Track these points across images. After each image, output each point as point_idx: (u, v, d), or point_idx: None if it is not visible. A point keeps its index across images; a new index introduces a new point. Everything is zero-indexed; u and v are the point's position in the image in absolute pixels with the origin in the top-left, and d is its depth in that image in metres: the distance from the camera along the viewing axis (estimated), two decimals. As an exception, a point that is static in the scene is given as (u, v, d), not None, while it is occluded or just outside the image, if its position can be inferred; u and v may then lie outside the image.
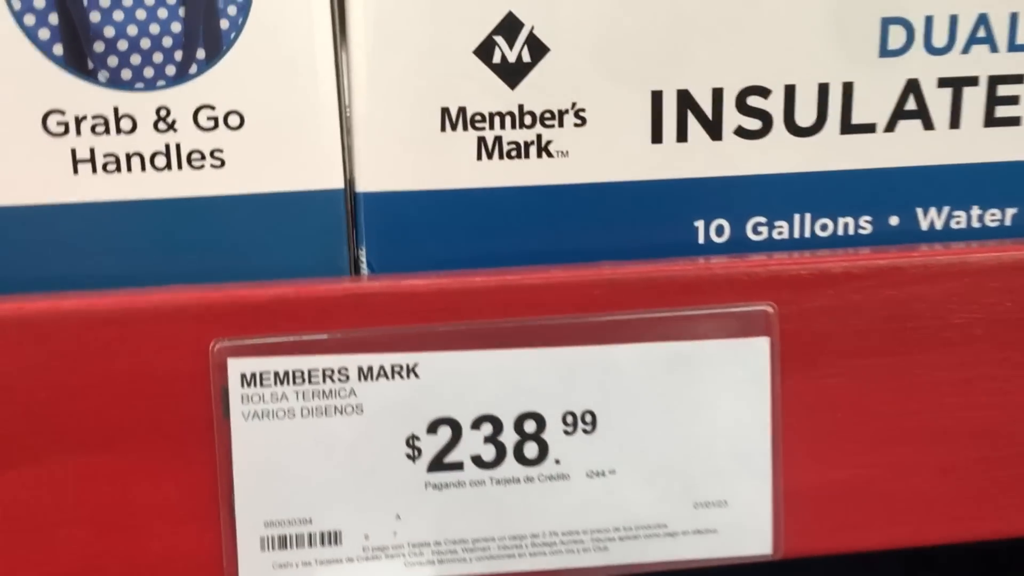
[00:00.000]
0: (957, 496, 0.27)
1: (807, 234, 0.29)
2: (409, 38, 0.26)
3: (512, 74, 0.27)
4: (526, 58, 0.26)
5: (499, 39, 0.26)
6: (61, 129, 0.25)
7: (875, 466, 0.26)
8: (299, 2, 0.26)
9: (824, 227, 0.29)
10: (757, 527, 0.26)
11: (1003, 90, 0.28)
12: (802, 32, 0.27)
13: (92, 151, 0.25)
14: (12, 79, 0.24)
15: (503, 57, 0.26)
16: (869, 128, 0.28)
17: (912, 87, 0.28)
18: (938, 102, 0.28)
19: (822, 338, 0.26)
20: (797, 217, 0.28)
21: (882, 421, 0.26)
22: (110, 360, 0.23)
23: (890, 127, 0.28)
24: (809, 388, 0.26)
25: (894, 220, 0.29)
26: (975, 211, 0.29)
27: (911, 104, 0.28)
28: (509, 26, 0.26)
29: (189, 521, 0.24)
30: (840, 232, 0.29)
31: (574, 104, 0.27)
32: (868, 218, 0.29)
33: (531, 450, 0.25)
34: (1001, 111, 0.28)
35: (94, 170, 0.25)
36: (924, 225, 0.29)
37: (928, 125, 0.28)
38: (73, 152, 0.25)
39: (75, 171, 0.25)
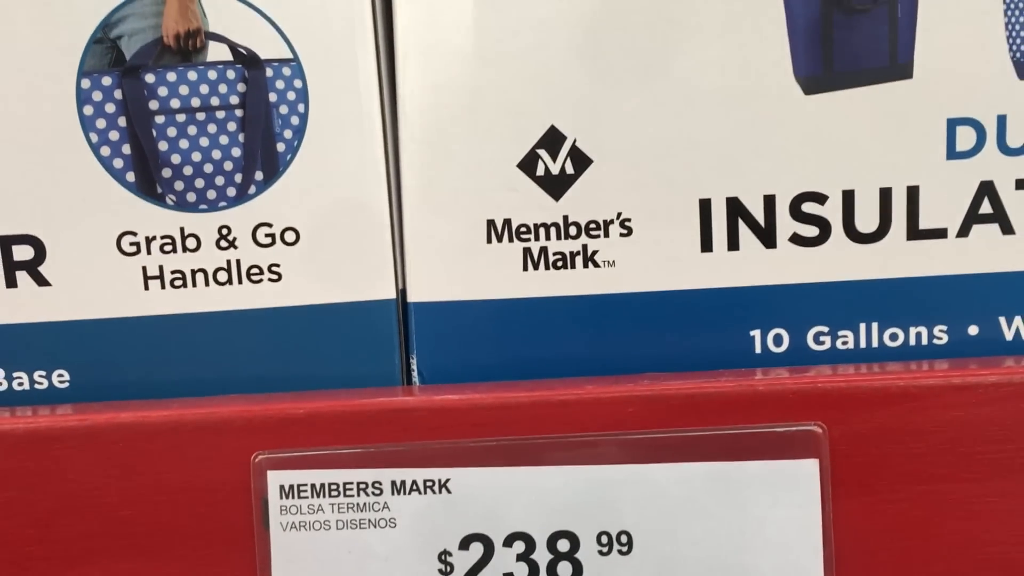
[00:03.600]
0: (1041, 639, 0.24)
1: (875, 344, 0.27)
2: (456, 153, 0.27)
3: (556, 186, 0.27)
4: (569, 170, 0.27)
5: (542, 152, 0.27)
6: (133, 249, 0.27)
7: (943, 601, 0.24)
8: (352, 124, 0.27)
9: (894, 336, 0.27)
10: (809, 662, 0.24)
11: (1093, 190, 0.26)
12: (859, 135, 0.26)
13: (161, 268, 0.27)
14: (91, 204, 0.27)
15: (547, 170, 0.27)
16: (940, 233, 0.26)
17: (986, 189, 0.26)
18: (1017, 205, 0.26)
19: (879, 461, 0.24)
20: (863, 326, 0.27)
21: (950, 552, 0.24)
22: (161, 469, 0.25)
23: (963, 232, 0.26)
24: (865, 514, 0.24)
25: (973, 330, 0.27)
26: (1068, 320, 0.27)
27: (986, 207, 0.26)
28: (552, 139, 0.26)
29: (231, 626, 0.25)
30: (912, 342, 0.27)
31: (619, 214, 0.27)
32: (943, 327, 0.27)
33: (565, 570, 0.25)
34: (1091, 212, 0.26)
35: (163, 286, 0.27)
36: (1009, 335, 0.27)
37: (1007, 229, 0.26)
38: (144, 270, 0.27)
39: (146, 287, 0.27)
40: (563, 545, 0.25)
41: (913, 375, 0.24)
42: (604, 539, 0.24)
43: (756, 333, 0.27)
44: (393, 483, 0.24)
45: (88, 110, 0.26)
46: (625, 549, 0.24)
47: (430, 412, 0.24)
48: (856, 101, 0.26)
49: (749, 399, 0.24)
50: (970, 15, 0.25)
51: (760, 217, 0.26)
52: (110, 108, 0.26)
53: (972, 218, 0.26)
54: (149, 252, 0.27)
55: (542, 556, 0.25)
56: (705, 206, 0.27)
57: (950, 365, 0.26)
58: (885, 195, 0.26)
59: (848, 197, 0.26)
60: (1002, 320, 0.27)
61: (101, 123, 0.26)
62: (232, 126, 0.27)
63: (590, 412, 0.24)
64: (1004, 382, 0.24)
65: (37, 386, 0.27)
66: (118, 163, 0.27)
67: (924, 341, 0.27)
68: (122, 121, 0.26)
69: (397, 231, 0.27)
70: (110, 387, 0.27)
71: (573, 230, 0.27)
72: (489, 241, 0.27)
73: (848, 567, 0.24)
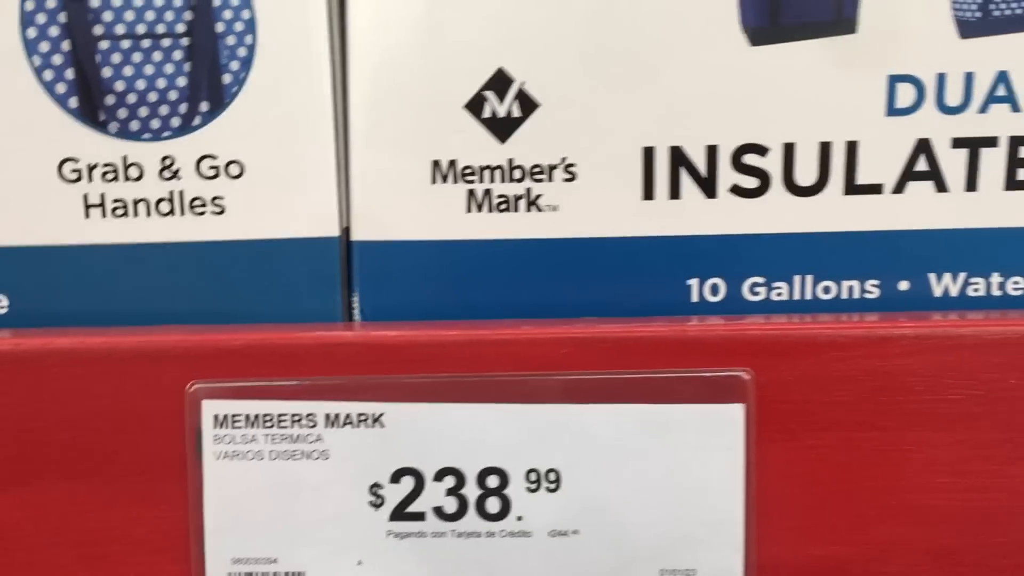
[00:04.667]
0: (951, 583, 0.25)
1: (808, 296, 0.28)
2: (404, 92, 0.27)
3: (502, 128, 0.27)
4: (516, 113, 0.27)
5: (489, 94, 0.27)
6: (75, 176, 0.27)
7: (858, 544, 0.25)
8: (300, 58, 0.27)
9: (827, 290, 0.28)
10: (728, 599, 0.25)
11: (1026, 151, 0.26)
12: (801, 88, 0.26)
13: (102, 197, 0.27)
14: (31, 129, 0.26)
15: (493, 112, 0.27)
16: (876, 189, 0.27)
17: (923, 147, 0.27)
18: (952, 163, 0.27)
19: (803, 408, 0.25)
20: (797, 279, 0.28)
21: (867, 497, 0.25)
22: (97, 396, 0.25)
23: (899, 188, 0.27)
24: (788, 459, 0.25)
25: (904, 285, 0.27)
26: (995, 279, 0.27)
27: (922, 165, 0.27)
28: (499, 82, 0.27)
29: (163, 551, 0.25)
30: (844, 296, 0.28)
31: (564, 159, 0.27)
32: (875, 282, 0.27)
33: (493, 505, 0.25)
34: (1024, 174, 0.27)
35: (104, 215, 0.27)
36: (938, 291, 0.27)
37: (941, 187, 0.27)
38: (85, 197, 0.27)
39: (87, 215, 0.27)
40: (492, 481, 0.25)
41: (838, 325, 0.25)
42: (533, 476, 0.25)
43: (694, 282, 0.28)
44: (327, 416, 0.25)
45: (31, 32, 0.26)
46: (553, 487, 0.25)
47: (366, 347, 0.25)
48: (800, 54, 0.26)
49: (679, 344, 0.25)
50: (915, -27, 0.25)
51: (702, 167, 0.27)
52: (54, 31, 0.26)
53: (908, 175, 0.27)
54: (91, 180, 0.27)
55: (471, 491, 0.25)
56: (648, 154, 0.27)
57: (880, 317, 0.26)
58: (825, 149, 0.27)
59: (789, 150, 0.27)
60: (931, 276, 0.27)
61: (44, 46, 0.26)
62: (178, 55, 0.26)
63: (524, 352, 0.25)
64: (926, 335, 0.24)
65: (-25, 311, 0.27)
66: (61, 88, 0.26)
67: (856, 295, 0.27)
68: (66, 45, 0.26)
69: (343, 168, 0.27)
70: (50, 315, 0.27)
71: (518, 173, 0.27)
72: (434, 182, 0.27)
73: (768, 509, 0.25)
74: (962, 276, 0.27)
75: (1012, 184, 0.27)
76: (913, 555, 0.25)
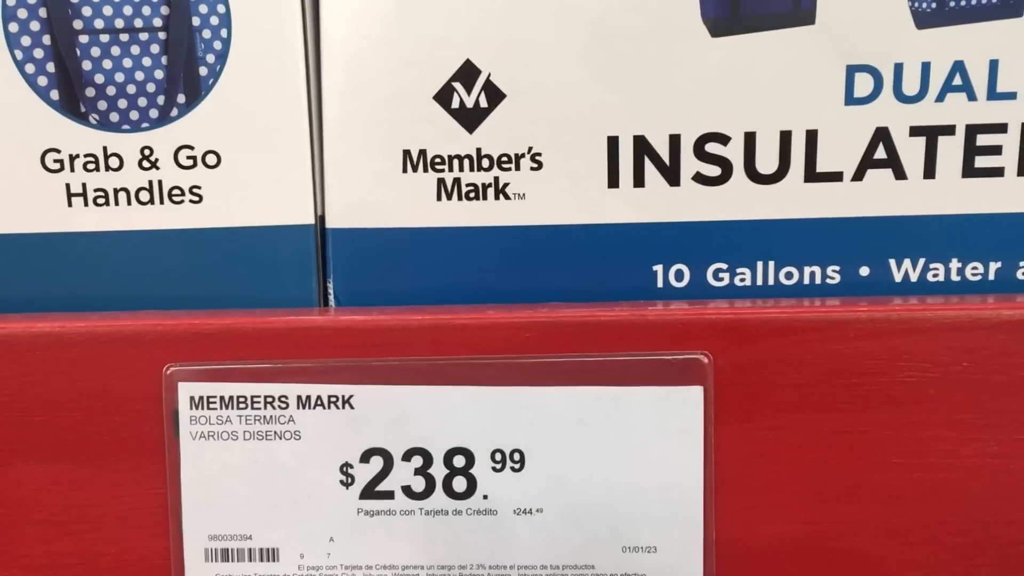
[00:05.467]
0: (905, 560, 0.26)
1: (771, 282, 0.28)
2: (375, 84, 0.27)
3: (470, 119, 0.28)
4: (483, 104, 0.27)
5: (457, 85, 0.27)
6: (57, 166, 0.28)
7: (814, 523, 0.26)
8: (274, 51, 0.27)
9: (789, 275, 0.28)
10: (687, 575, 0.26)
11: (983, 140, 0.27)
12: (762, 79, 0.27)
13: (84, 186, 0.28)
14: (14, 120, 0.27)
15: (461, 103, 0.27)
16: (836, 176, 0.27)
17: (882, 135, 0.27)
18: (910, 151, 0.27)
19: (760, 390, 0.25)
20: (760, 264, 0.28)
21: (823, 477, 0.26)
22: (76, 378, 0.26)
23: (858, 176, 0.27)
24: (746, 439, 0.26)
25: (864, 271, 0.28)
26: (954, 264, 0.28)
27: (881, 153, 0.27)
28: (467, 73, 0.27)
29: (142, 528, 0.26)
30: (806, 281, 0.28)
31: (530, 148, 0.28)
32: (836, 268, 0.28)
33: (460, 484, 0.26)
34: (982, 161, 0.27)
35: (86, 203, 0.28)
36: (898, 276, 0.28)
37: (900, 175, 0.27)
38: (67, 187, 0.28)
39: (69, 204, 0.28)
40: (459, 461, 0.26)
41: (794, 309, 0.25)
42: (498, 456, 0.26)
43: (659, 268, 0.28)
44: (299, 397, 0.26)
45: (13, 27, 0.27)
46: (518, 467, 0.26)
47: (336, 331, 0.25)
48: (760, 45, 0.27)
49: (640, 328, 0.25)
50: (872, -35, 0.26)
51: (665, 155, 0.27)
52: (35, 26, 0.27)
53: (867, 163, 0.27)
54: (73, 170, 0.28)
55: (439, 471, 0.26)
56: (613, 143, 0.27)
57: (841, 302, 0.27)
58: (785, 138, 0.27)
59: (750, 139, 0.27)
60: (892, 262, 0.28)
61: (26, 40, 0.27)
62: (155, 48, 0.27)
63: (489, 336, 0.25)
64: (880, 319, 0.25)
65: (-38, 296, 0.28)
66: (42, 81, 0.27)
67: (817, 280, 0.28)
68: (47, 40, 0.27)
69: (317, 158, 0.28)
70: (33, 300, 0.28)
71: (486, 162, 0.28)
72: (405, 171, 0.28)
73: (726, 488, 0.26)
74: (921, 261, 0.28)
75: (969, 171, 0.27)
76: (868, 533, 0.26)
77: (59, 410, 0.26)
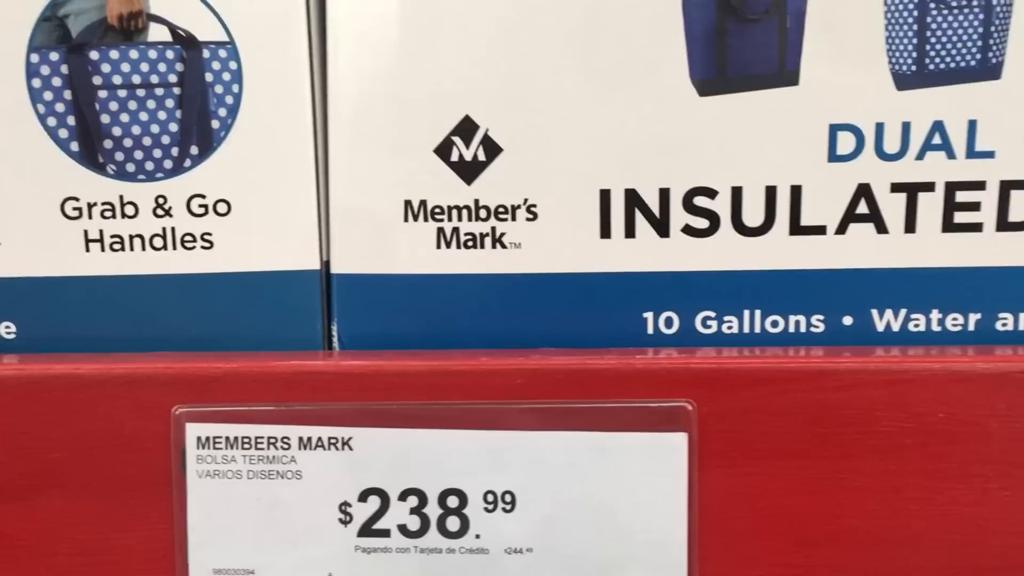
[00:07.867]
0: (882, 604, 0.27)
1: (757, 330, 0.29)
2: (379, 137, 0.29)
3: (469, 171, 0.29)
4: (481, 157, 0.29)
5: (457, 140, 0.29)
6: (76, 213, 0.29)
7: (795, 565, 0.27)
8: (283, 105, 0.29)
9: (775, 324, 0.29)
10: (672, 615, 0.27)
11: (962, 196, 0.28)
12: (748, 136, 0.28)
13: (101, 232, 0.29)
14: (36, 170, 0.29)
15: (460, 156, 0.29)
16: (820, 230, 0.28)
17: (863, 191, 0.28)
18: (892, 207, 0.28)
19: (743, 437, 0.26)
20: (747, 313, 0.29)
21: (803, 522, 0.27)
22: (90, 418, 0.27)
23: (841, 229, 0.28)
24: (729, 484, 0.27)
25: (848, 320, 0.29)
26: (935, 315, 0.29)
27: (863, 208, 0.28)
28: (466, 128, 0.29)
29: (150, 561, 0.27)
30: (791, 329, 0.29)
31: (526, 200, 0.29)
32: (820, 317, 0.29)
33: (453, 524, 0.27)
34: (961, 217, 0.28)
35: (103, 249, 0.29)
36: (880, 326, 0.29)
37: (882, 229, 0.28)
38: (85, 233, 0.29)
39: (87, 249, 0.29)
40: (452, 501, 0.27)
41: (776, 360, 0.26)
42: (490, 497, 0.27)
43: (649, 315, 0.29)
44: (300, 439, 0.27)
45: (36, 83, 0.28)
46: (509, 507, 0.27)
47: (337, 376, 0.27)
48: (746, 104, 0.28)
49: (628, 376, 0.26)
50: (854, 29, 0.27)
51: (655, 208, 0.29)
52: (56, 82, 0.28)
53: (850, 217, 0.28)
54: (91, 217, 0.29)
55: (433, 510, 0.27)
56: (605, 196, 0.29)
57: (824, 352, 0.28)
58: (771, 192, 0.28)
59: (736, 193, 0.28)
60: (874, 312, 0.29)
61: (48, 96, 0.29)
62: (170, 103, 0.29)
63: (483, 381, 0.27)
64: (858, 370, 0.26)
65: (-15, 336, 0.30)
66: (63, 133, 0.29)
67: (802, 328, 0.29)
68: (68, 95, 0.29)
69: (323, 206, 0.30)
70: (54, 340, 0.30)
71: (483, 213, 0.29)
72: (406, 220, 0.29)
73: (710, 532, 0.27)
74: (903, 312, 0.29)
75: (948, 227, 0.28)
76: (846, 577, 0.27)
77: (74, 448, 0.27)
